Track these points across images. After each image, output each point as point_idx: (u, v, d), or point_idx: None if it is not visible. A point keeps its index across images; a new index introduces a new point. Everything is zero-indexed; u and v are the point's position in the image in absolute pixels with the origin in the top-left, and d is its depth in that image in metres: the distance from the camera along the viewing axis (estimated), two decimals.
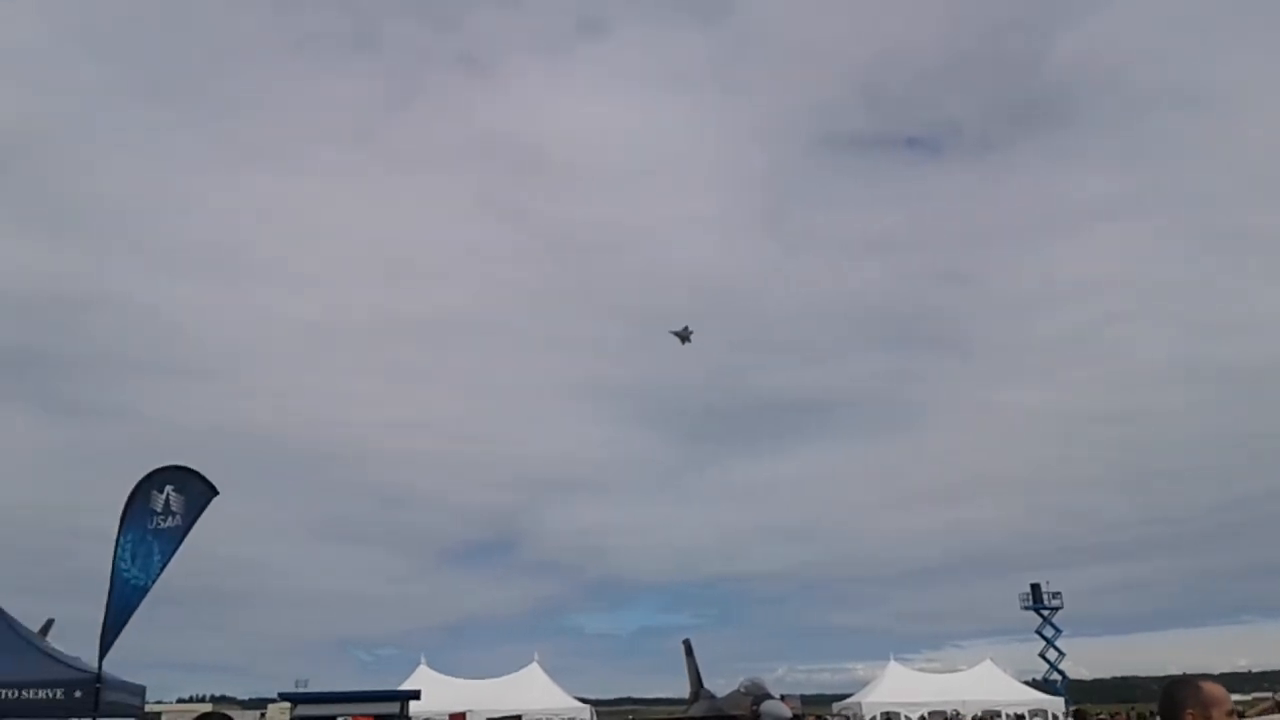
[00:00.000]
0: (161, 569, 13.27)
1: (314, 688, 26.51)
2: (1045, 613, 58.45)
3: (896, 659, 48.50)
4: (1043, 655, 58.10)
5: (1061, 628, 58.49)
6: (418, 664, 41.23)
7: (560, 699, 40.60)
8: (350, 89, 57.75)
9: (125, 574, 12.78)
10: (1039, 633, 58.51)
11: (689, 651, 44.03)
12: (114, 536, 13.03)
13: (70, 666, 12.96)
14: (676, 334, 46.53)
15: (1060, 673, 57.64)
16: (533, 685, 40.65)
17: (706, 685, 41.69)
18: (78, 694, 12.13)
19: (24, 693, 12.10)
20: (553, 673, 42.24)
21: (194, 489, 13.63)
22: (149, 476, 13.25)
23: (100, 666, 12.59)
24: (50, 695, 12.11)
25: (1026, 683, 50.09)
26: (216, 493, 13.74)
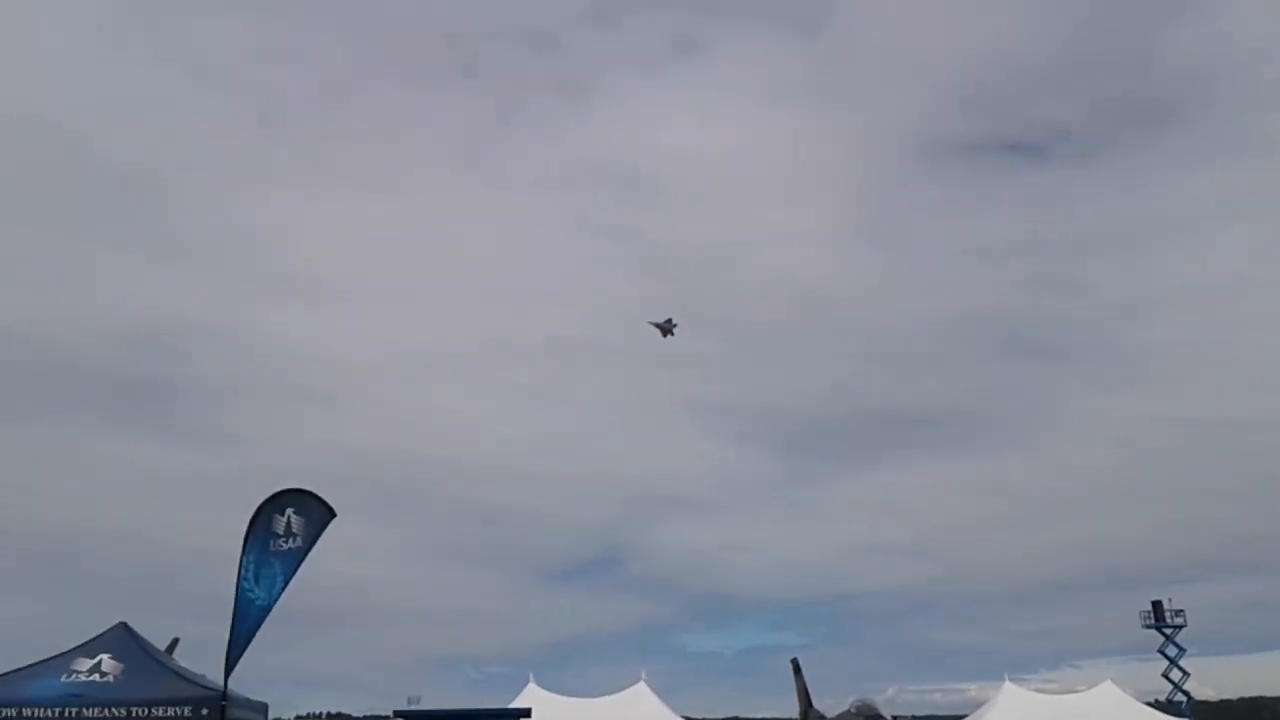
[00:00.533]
0: (283, 589, 13.61)
1: (426, 704, 26.89)
2: (1168, 631, 56.36)
3: (1012, 679, 47.14)
4: (1166, 675, 56.01)
5: (1185, 646, 56.33)
6: (526, 682, 41.46)
7: (667, 718, 40.42)
8: (454, 116, 59.68)
9: (249, 594, 13.14)
10: (1161, 652, 56.43)
11: (797, 670, 43.48)
12: (236, 558, 13.39)
13: (197, 684, 13.34)
14: (657, 326, 44.74)
15: (1185, 694, 55.48)
16: (640, 704, 40.54)
17: (816, 706, 41.08)
18: (205, 711, 12.48)
19: (153, 710, 12.50)
20: (660, 692, 42.09)
21: (313, 511, 13.96)
22: (271, 499, 13.62)
23: (226, 684, 12.93)
24: (179, 713, 12.49)
25: (1149, 704, 48.26)
26: (334, 515, 14.04)
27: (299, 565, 13.69)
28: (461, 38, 61.14)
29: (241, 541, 13.16)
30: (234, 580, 13.10)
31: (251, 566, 13.13)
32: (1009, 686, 46.22)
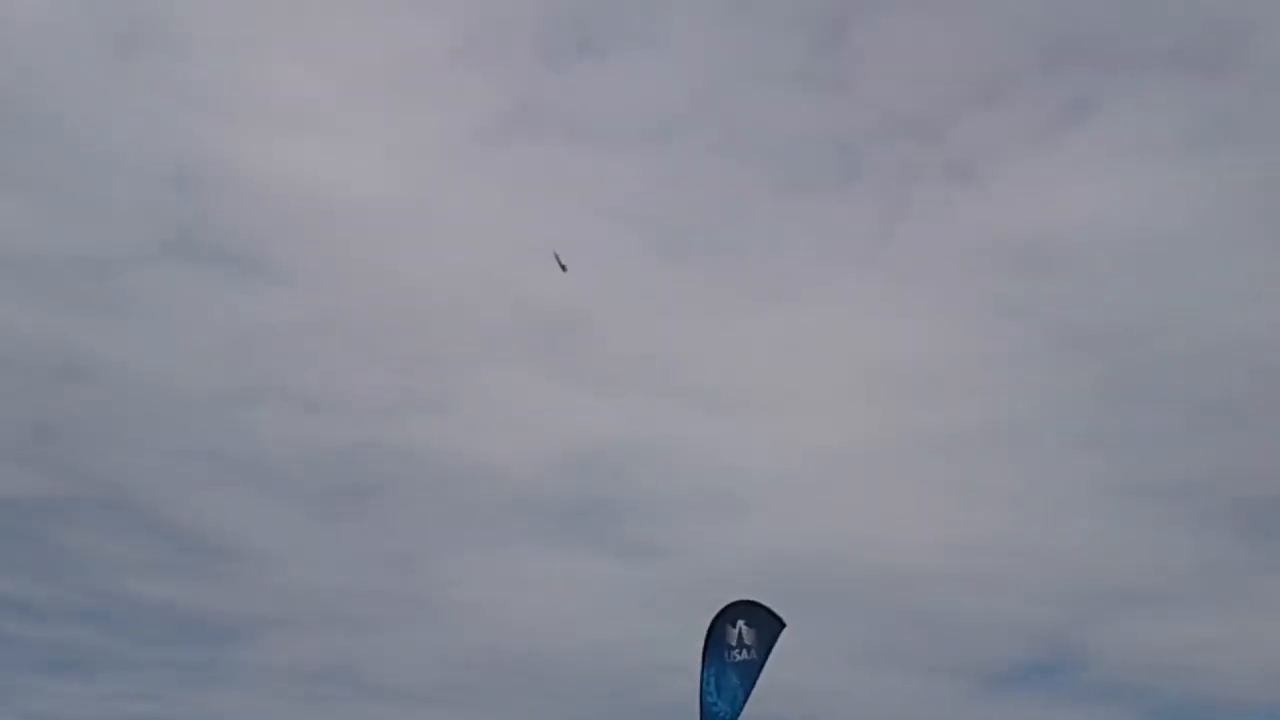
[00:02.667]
0: (744, 702, 13.86)
1: None
2: None
3: None
4: None
5: None
6: None
7: None
8: (843, 217, 61.20)
9: (713, 707, 13.51)
10: None
11: None
12: (690, 670, 13.84)
13: None
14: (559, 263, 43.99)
15: None
16: None
17: None
18: None
19: None
20: None
21: (763, 622, 14.20)
22: (723, 612, 14.03)
23: None
24: None
25: None
26: (783, 625, 14.19)
27: (757, 677, 13.92)
28: (846, 142, 62.40)
29: (700, 654, 13.65)
30: (695, 692, 13.56)
31: (712, 679, 13.55)
32: None
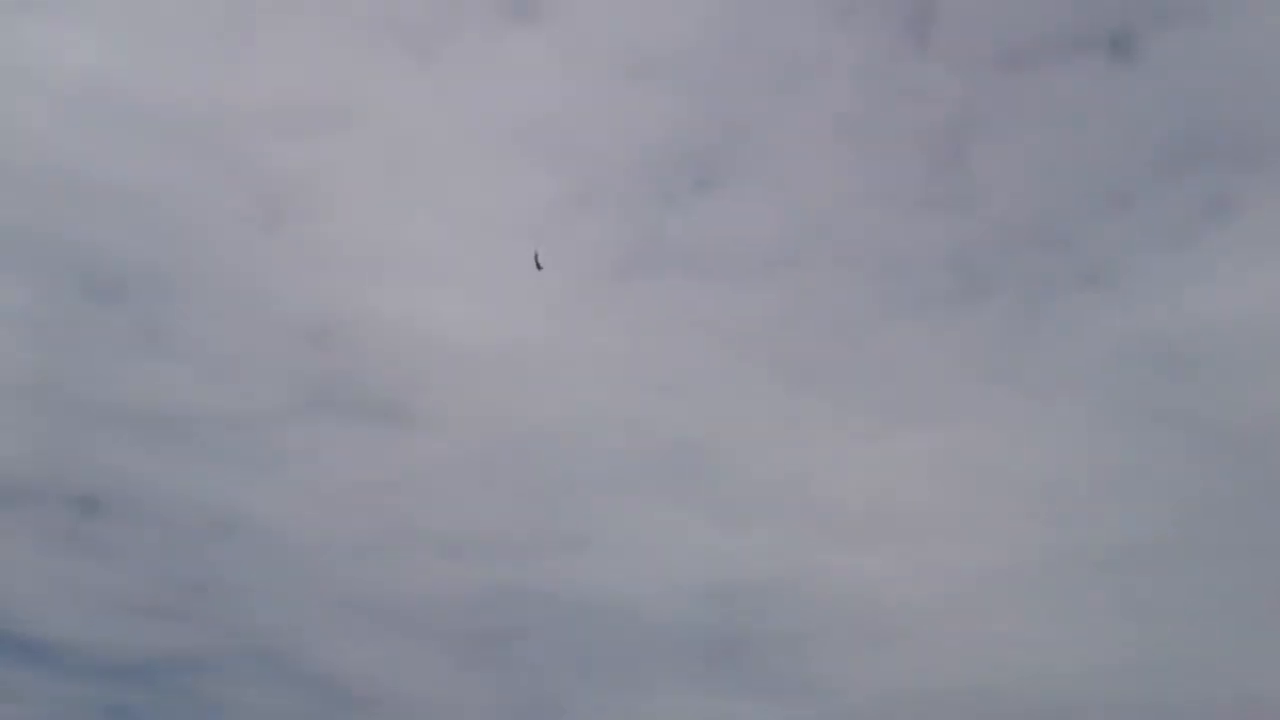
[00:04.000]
0: None
1: None
2: None
3: None
4: None
5: None
6: None
7: None
8: (973, 331, 60.32)
9: None
10: None
11: None
12: None
13: None
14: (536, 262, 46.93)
15: None
16: None
17: None
18: None
19: None
20: None
21: None
22: None
23: None
24: None
25: None
26: None
27: None
28: (971, 255, 61.52)
29: None
30: None
31: None
32: None
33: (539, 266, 45.76)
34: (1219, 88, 63.44)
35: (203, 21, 56.47)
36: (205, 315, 53.27)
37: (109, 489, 49.28)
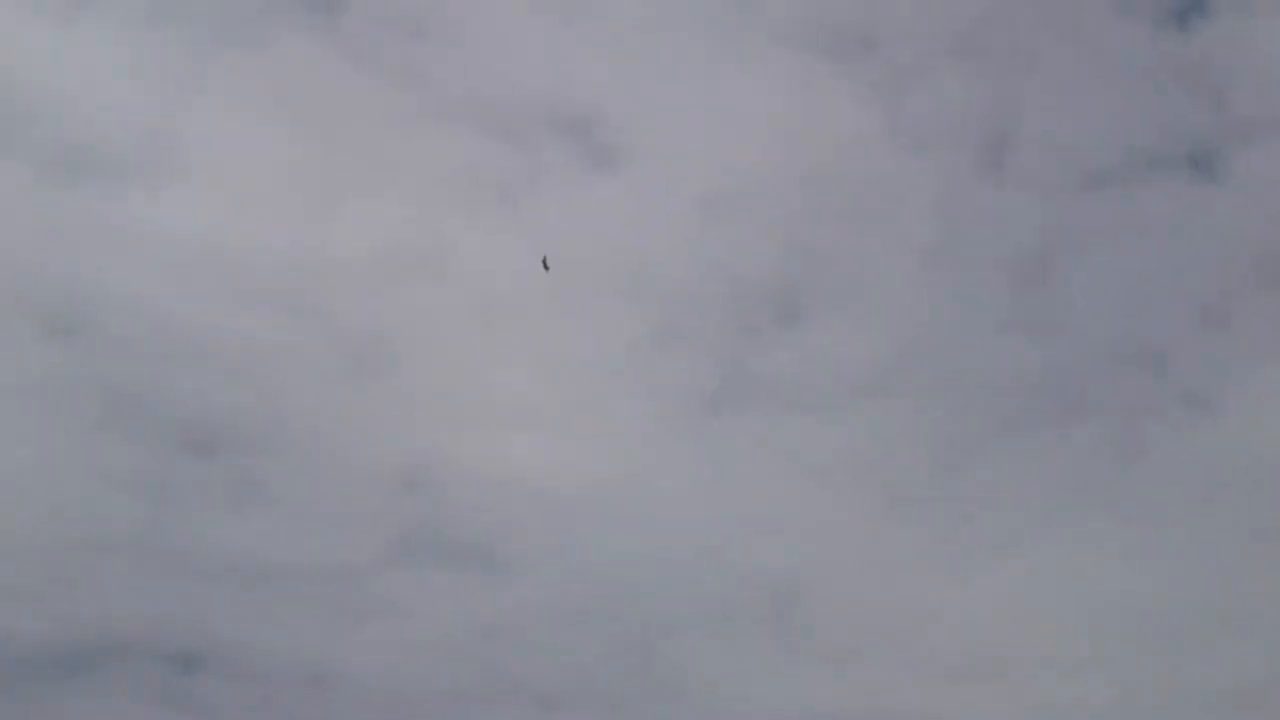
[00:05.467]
0: None
1: None
2: None
3: None
4: None
5: None
6: None
7: None
8: (1071, 457, 58.74)
9: None
10: None
11: None
12: None
13: None
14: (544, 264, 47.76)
15: None
16: None
17: None
18: None
19: None
20: None
21: None
22: None
23: None
24: None
25: None
26: None
27: None
28: (1064, 379, 60.15)
29: None
30: None
31: None
32: None
33: (546, 268, 46.49)
34: None
35: (296, 180, 59.00)
36: (297, 466, 53.94)
37: (205, 644, 49.47)
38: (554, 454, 55.55)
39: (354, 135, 61.79)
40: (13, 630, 46.37)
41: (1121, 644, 59.91)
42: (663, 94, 66.47)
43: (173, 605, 49.28)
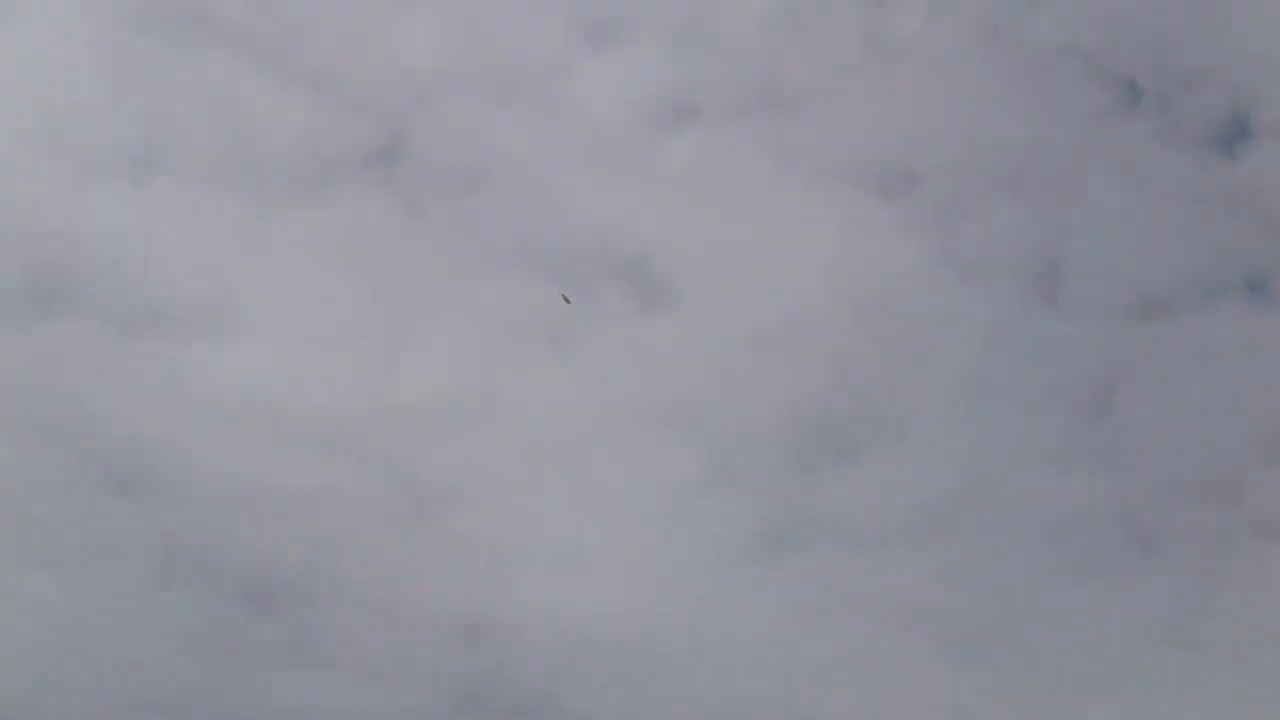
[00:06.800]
0: None
1: None
2: None
3: None
4: None
5: None
6: None
7: None
8: (1147, 596, 56.79)
9: None
10: None
11: None
12: None
13: None
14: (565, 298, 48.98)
15: None
16: None
17: None
18: None
19: None
20: None
21: None
22: None
23: None
24: None
25: None
26: None
27: None
28: (1133, 513, 58.70)
29: None
30: None
31: None
32: None
33: (567, 301, 46.07)
34: None
35: (355, 330, 59.99)
36: (352, 618, 53.49)
37: None
38: (612, 599, 54.68)
39: (411, 284, 63.12)
40: None
41: None
42: (711, 234, 67.42)
43: None
